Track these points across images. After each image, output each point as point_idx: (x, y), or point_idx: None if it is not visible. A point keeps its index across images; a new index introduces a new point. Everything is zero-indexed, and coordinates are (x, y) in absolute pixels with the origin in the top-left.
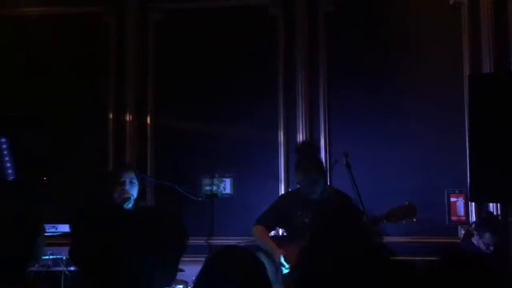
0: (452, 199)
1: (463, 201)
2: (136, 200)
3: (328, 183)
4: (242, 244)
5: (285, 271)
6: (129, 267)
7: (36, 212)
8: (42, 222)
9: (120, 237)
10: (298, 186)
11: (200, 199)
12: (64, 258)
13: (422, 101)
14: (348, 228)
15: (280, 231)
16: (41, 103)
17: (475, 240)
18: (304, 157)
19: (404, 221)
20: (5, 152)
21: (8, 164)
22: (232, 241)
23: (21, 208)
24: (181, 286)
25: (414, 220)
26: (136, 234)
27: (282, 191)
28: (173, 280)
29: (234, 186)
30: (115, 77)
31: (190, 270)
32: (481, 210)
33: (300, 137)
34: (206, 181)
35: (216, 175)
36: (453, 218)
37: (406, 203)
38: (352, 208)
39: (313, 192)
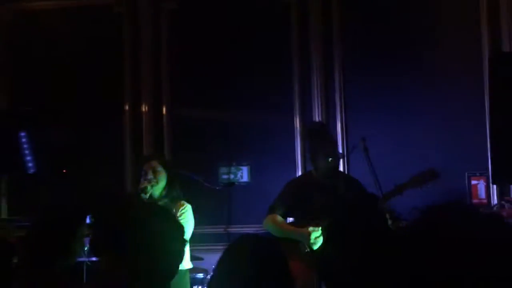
0: (473, 182)
1: (484, 183)
2: (167, 189)
3: (346, 169)
4: (261, 232)
5: (315, 247)
6: (147, 254)
7: (74, 214)
8: (81, 222)
9: (135, 227)
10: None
11: (217, 187)
12: (86, 248)
13: (441, 83)
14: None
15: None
16: (58, 96)
17: None
18: (320, 139)
19: (428, 185)
20: (26, 146)
21: (29, 158)
22: (250, 229)
23: (58, 208)
24: (201, 274)
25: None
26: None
27: None
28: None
29: (252, 174)
30: (130, 68)
31: (210, 258)
32: (503, 192)
33: None
34: (224, 169)
35: (233, 163)
36: (474, 201)
37: (427, 168)
38: (369, 193)
39: (329, 175)
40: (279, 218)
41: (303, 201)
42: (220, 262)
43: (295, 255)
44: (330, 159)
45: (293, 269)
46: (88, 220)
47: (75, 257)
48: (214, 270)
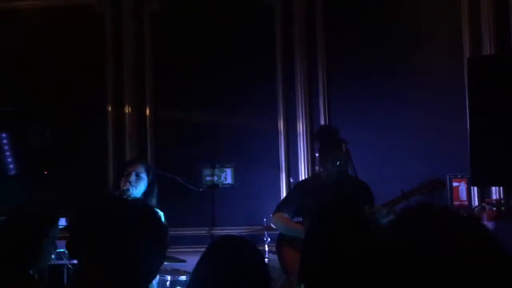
0: (455, 184)
1: (465, 185)
2: (145, 195)
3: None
4: (244, 234)
5: None
6: (126, 255)
7: (46, 214)
8: (53, 223)
9: (114, 227)
10: (316, 172)
11: (201, 189)
12: (66, 251)
13: (422, 86)
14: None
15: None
16: (39, 97)
17: None
18: (328, 140)
19: (435, 193)
20: (6, 147)
21: (9, 159)
22: (234, 231)
23: (28, 209)
24: (184, 277)
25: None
26: (127, 223)
27: (283, 179)
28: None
29: (235, 176)
30: (112, 69)
31: (193, 260)
32: (484, 194)
33: (300, 125)
34: (207, 171)
35: (217, 165)
36: (456, 203)
37: (435, 178)
38: (365, 194)
39: (336, 178)
40: (286, 215)
41: (309, 202)
42: (198, 265)
43: (299, 251)
44: (338, 162)
45: (297, 264)
46: (63, 222)
47: (47, 259)
48: (192, 273)
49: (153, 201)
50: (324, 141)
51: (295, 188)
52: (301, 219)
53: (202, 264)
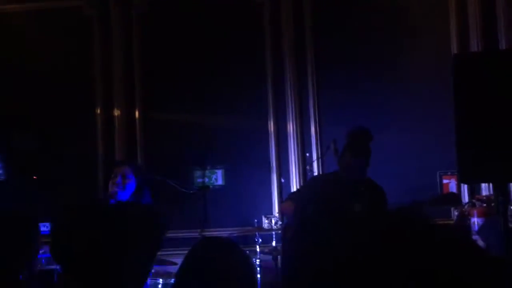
0: (445, 181)
1: (456, 182)
2: (134, 196)
3: (320, 171)
4: (236, 235)
5: None
6: (111, 264)
7: (29, 218)
8: (37, 228)
9: (100, 234)
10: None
11: (191, 191)
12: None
13: (410, 83)
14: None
15: None
16: (27, 101)
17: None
18: (357, 142)
19: (446, 207)
20: None
21: None
22: (226, 232)
23: (10, 213)
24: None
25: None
26: (115, 231)
27: (274, 180)
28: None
29: (226, 177)
30: (101, 72)
31: None
32: (474, 191)
33: (290, 126)
34: (198, 173)
35: (208, 167)
36: None
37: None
38: (379, 200)
39: (353, 175)
40: (294, 205)
41: (319, 196)
42: (181, 267)
43: None
44: (356, 158)
45: None
46: (44, 228)
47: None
48: (175, 276)
49: (145, 202)
50: (352, 139)
51: (310, 180)
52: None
53: (185, 267)
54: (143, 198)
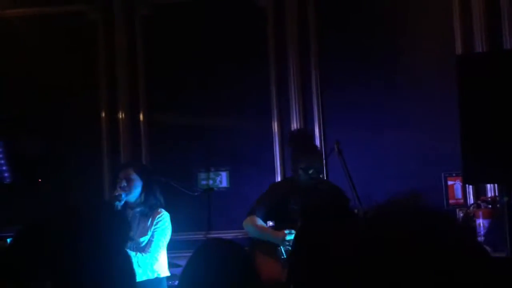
0: (450, 182)
1: (461, 184)
2: (143, 196)
3: (325, 172)
4: (241, 237)
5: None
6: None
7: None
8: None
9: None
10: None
11: (196, 193)
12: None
13: (415, 84)
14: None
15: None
16: (33, 105)
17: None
18: (301, 145)
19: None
20: (1, 156)
21: (4, 168)
22: (230, 234)
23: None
24: None
25: None
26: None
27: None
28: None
29: (231, 179)
30: (105, 75)
31: None
32: (479, 192)
33: (295, 127)
34: (202, 175)
35: (212, 169)
36: (451, 201)
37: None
38: (341, 196)
39: (310, 180)
40: (258, 219)
41: (282, 205)
42: (185, 268)
43: (271, 257)
44: (311, 171)
45: (269, 270)
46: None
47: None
48: (179, 277)
49: (155, 201)
50: (297, 146)
51: (268, 190)
52: (273, 223)
53: (189, 268)
54: (154, 196)
